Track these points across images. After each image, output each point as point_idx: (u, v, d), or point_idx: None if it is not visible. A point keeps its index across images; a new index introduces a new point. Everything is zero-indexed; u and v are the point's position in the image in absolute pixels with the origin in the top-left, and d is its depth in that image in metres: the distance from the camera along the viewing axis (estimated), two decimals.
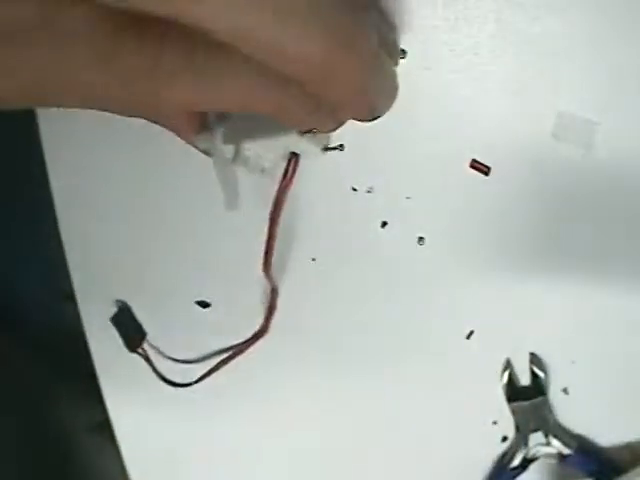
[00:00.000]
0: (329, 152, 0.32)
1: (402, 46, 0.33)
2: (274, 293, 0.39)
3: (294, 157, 0.30)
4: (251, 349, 0.41)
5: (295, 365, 0.42)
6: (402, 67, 0.34)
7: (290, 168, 0.30)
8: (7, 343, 0.56)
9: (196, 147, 0.29)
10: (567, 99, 0.34)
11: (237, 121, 0.29)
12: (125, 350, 0.43)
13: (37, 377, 0.58)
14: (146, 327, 0.43)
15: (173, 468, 0.46)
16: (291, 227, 0.39)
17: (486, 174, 0.36)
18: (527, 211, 0.36)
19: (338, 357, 0.41)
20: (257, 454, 0.44)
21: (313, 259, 0.40)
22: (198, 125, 0.29)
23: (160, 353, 0.43)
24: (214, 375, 0.41)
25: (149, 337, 0.43)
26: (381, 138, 0.36)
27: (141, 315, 0.43)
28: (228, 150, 0.29)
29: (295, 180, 0.31)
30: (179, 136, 0.29)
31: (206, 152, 0.29)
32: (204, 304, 0.42)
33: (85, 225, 0.43)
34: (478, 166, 0.36)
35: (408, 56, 0.34)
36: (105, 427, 0.46)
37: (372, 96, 0.25)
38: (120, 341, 0.43)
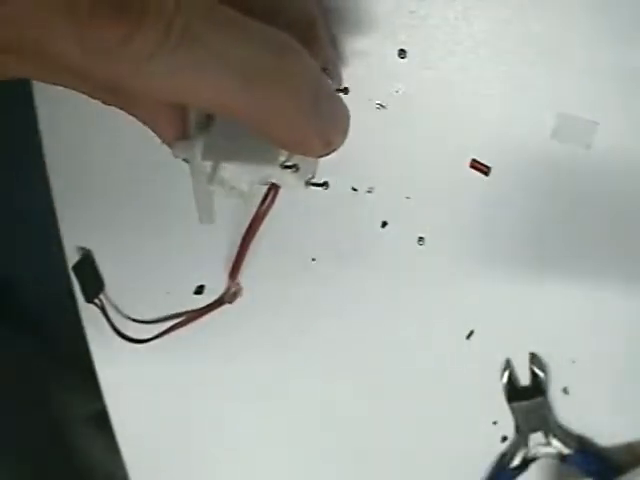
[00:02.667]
0: (313, 187, 0.29)
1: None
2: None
3: (274, 188, 0.28)
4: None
5: (293, 360, 0.42)
6: (402, 67, 0.34)
7: (269, 198, 0.28)
8: (8, 329, 0.56)
9: (175, 154, 0.28)
10: (567, 99, 0.34)
11: (218, 138, 0.27)
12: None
13: (37, 364, 0.59)
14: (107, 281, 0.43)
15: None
16: (291, 227, 0.39)
17: (486, 174, 0.36)
18: (527, 211, 0.36)
19: (338, 356, 0.41)
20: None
21: (313, 259, 0.40)
22: (178, 130, 0.27)
23: (116, 308, 0.43)
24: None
25: (109, 291, 0.43)
26: (381, 138, 0.36)
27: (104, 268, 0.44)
28: (206, 165, 0.27)
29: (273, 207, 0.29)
30: (157, 135, 0.28)
31: (185, 160, 0.28)
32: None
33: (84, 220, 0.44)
34: (478, 166, 0.36)
35: (408, 56, 0.34)
36: (102, 417, 0.46)
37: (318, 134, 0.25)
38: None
